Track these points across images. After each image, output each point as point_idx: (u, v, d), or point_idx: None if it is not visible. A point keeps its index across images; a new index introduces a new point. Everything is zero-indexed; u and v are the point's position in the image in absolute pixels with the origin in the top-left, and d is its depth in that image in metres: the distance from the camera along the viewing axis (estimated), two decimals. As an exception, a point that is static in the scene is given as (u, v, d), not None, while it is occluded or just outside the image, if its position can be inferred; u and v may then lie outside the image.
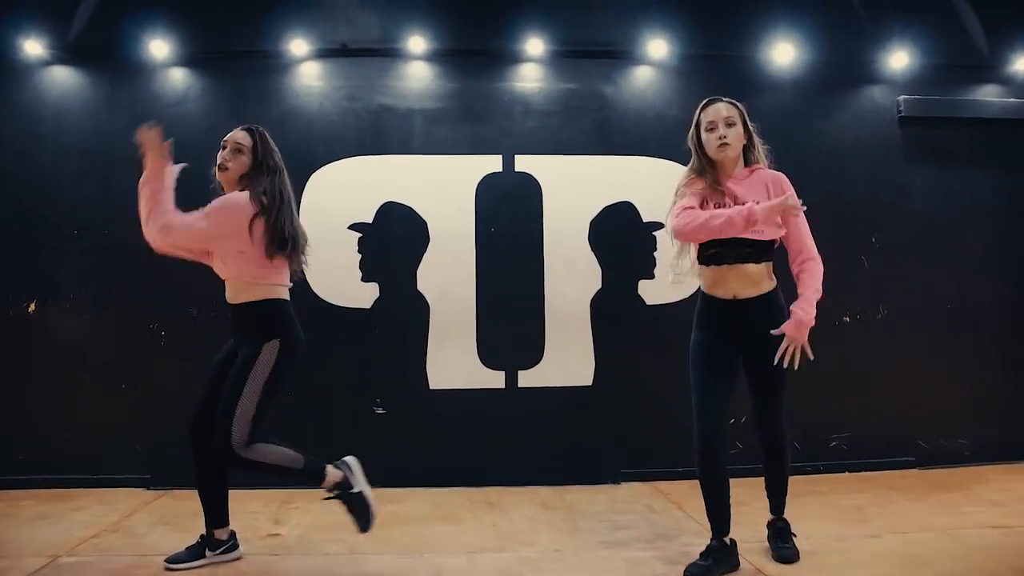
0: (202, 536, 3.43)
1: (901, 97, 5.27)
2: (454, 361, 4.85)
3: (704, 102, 3.35)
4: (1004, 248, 5.36)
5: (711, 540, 3.27)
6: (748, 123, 3.34)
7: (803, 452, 4.96)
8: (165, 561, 3.33)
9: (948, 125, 5.33)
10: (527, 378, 4.89)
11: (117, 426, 4.72)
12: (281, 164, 3.44)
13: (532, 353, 4.91)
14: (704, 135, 3.30)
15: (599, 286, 4.93)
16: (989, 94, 5.40)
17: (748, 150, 3.36)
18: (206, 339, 4.71)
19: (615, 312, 4.93)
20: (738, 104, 3.33)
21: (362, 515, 3.29)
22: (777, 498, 3.50)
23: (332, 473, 3.28)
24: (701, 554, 3.25)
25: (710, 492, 3.30)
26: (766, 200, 3.20)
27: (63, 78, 4.89)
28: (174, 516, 4.13)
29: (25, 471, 4.66)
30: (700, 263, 3.37)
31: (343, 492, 3.29)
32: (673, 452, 4.86)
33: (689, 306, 4.91)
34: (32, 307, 4.76)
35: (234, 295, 3.33)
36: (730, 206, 3.20)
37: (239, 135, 3.44)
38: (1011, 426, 5.22)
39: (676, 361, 4.90)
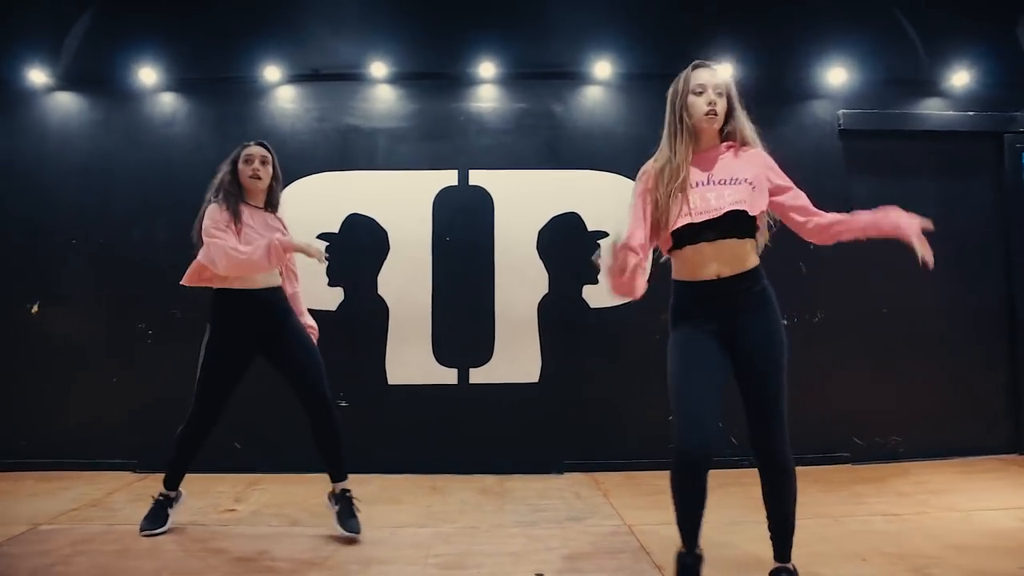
0: (159, 501, 3.99)
1: (841, 111, 5.58)
2: (411, 359, 5.29)
3: (693, 63, 2.97)
4: (941, 256, 5.54)
5: (683, 553, 2.95)
6: (735, 96, 2.98)
7: (740, 447, 5.31)
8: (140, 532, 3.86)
9: (887, 137, 5.61)
10: (478, 375, 5.31)
11: (108, 415, 5.25)
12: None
13: (483, 352, 5.33)
14: (691, 98, 2.91)
15: (546, 291, 5.33)
16: (927, 107, 5.67)
17: (731, 124, 2.98)
18: (187, 336, 5.26)
19: (561, 315, 5.32)
20: (724, 71, 3.03)
21: (356, 521, 3.85)
22: (779, 535, 3.09)
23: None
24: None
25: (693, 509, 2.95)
26: (744, 172, 2.92)
27: (65, 103, 5.45)
28: (150, 494, 4.59)
29: (27, 456, 5.22)
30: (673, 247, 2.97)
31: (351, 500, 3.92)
32: (613, 445, 5.26)
33: (632, 309, 5.35)
34: (35, 308, 5.33)
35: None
36: (705, 183, 2.90)
37: (261, 150, 3.96)
38: (943, 425, 5.49)
39: (619, 360, 5.32)
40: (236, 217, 3.82)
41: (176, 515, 3.97)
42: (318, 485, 4.79)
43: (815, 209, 3.06)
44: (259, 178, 3.89)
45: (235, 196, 3.88)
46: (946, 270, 5.53)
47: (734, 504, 4.33)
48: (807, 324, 5.47)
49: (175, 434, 3.96)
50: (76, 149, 5.43)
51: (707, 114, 2.90)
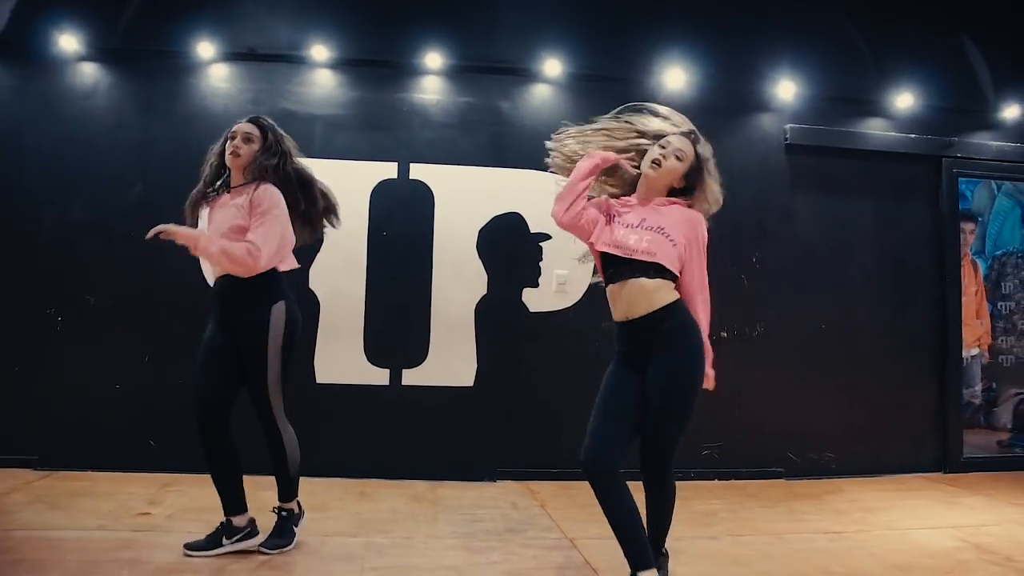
0: (222, 523, 3.50)
1: (788, 126, 5.56)
2: (341, 357, 5.04)
3: (683, 130, 3.22)
4: (880, 275, 5.65)
5: None
6: (704, 169, 3.17)
7: (676, 458, 5.22)
8: (184, 547, 3.42)
9: (832, 155, 5.63)
10: (411, 376, 5.09)
11: (9, 407, 4.83)
12: (288, 147, 3.72)
13: (417, 353, 5.11)
14: (653, 147, 3.15)
15: (485, 292, 5.15)
16: (872, 127, 5.72)
17: (692, 195, 3.19)
18: (101, 326, 4.91)
19: (499, 317, 5.15)
20: (700, 148, 3.18)
21: (278, 541, 3.53)
22: (653, 535, 3.18)
23: (294, 504, 3.66)
24: None
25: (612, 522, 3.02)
26: (675, 230, 3.03)
27: (-30, 68, 5.02)
28: (53, 495, 4.27)
29: (-85, 449, 4.77)
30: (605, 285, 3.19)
31: (288, 519, 3.60)
32: (548, 454, 5.09)
33: (572, 315, 5.22)
34: (-70, 289, 4.89)
35: None
36: (635, 226, 3.07)
37: (245, 126, 3.62)
38: (877, 442, 5.53)
39: (556, 367, 5.16)
40: (194, 207, 3.65)
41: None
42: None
43: (688, 291, 3.12)
44: (236, 155, 3.53)
45: (205, 182, 3.64)
46: (883, 290, 5.63)
47: (676, 520, 4.22)
48: (746, 338, 5.41)
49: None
50: (-18, 118, 5.01)
51: (652, 163, 3.10)
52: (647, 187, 3.16)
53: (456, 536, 3.86)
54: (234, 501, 3.51)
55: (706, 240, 3.15)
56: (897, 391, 5.61)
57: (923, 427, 5.65)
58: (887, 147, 5.67)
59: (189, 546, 3.42)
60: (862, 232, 5.64)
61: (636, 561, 2.92)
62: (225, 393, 3.46)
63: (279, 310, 3.48)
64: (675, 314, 3.03)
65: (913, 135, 5.69)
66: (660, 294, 3.02)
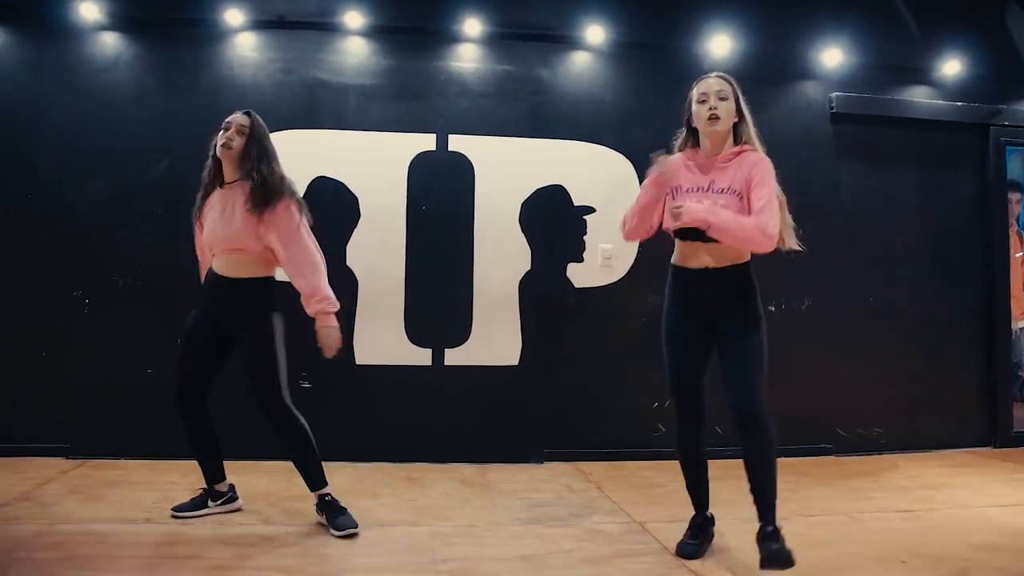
0: (204, 489, 3.70)
1: (834, 94, 5.39)
2: (381, 337, 4.85)
3: (699, 77, 3.22)
4: (925, 247, 5.51)
5: (695, 516, 3.38)
6: (741, 101, 3.16)
7: (725, 436, 5.07)
8: (172, 509, 3.61)
9: (878, 124, 5.46)
10: (454, 356, 4.91)
11: (37, 394, 4.64)
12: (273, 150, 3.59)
13: (459, 331, 4.93)
14: (695, 107, 3.15)
15: (528, 267, 4.97)
16: (919, 95, 5.55)
17: (740, 129, 3.17)
18: (131, 308, 4.71)
19: (543, 294, 4.98)
20: (731, 80, 3.17)
21: (344, 520, 3.46)
22: (760, 497, 3.11)
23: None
24: (689, 532, 3.35)
25: (685, 470, 3.39)
26: (741, 184, 3.06)
27: (-13, 38, 4.77)
28: (89, 485, 4.08)
29: (-60, 438, 4.56)
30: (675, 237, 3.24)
31: (332, 501, 3.54)
32: (595, 433, 4.96)
33: (618, 290, 5.06)
34: (-50, 271, 4.66)
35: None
36: (704, 189, 3.09)
37: (242, 118, 3.53)
38: (925, 417, 5.41)
39: (602, 343, 5.01)
40: (200, 204, 3.64)
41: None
42: (280, 475, 4.36)
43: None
44: (228, 147, 3.47)
45: (207, 180, 3.62)
46: (929, 262, 5.49)
47: (739, 501, 4.06)
48: (793, 311, 5.27)
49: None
50: (-2, 91, 4.76)
51: (709, 119, 3.09)
52: (711, 143, 3.17)
53: (520, 523, 3.70)
54: (213, 472, 3.71)
55: (766, 173, 3.05)
56: (944, 364, 5.50)
57: (970, 401, 5.54)
58: (933, 115, 5.50)
59: (176, 508, 3.61)
60: (907, 202, 5.50)
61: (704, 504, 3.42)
62: (205, 378, 3.64)
63: (279, 318, 3.59)
64: (748, 272, 3.18)
65: (960, 103, 5.53)
66: (740, 253, 3.13)
